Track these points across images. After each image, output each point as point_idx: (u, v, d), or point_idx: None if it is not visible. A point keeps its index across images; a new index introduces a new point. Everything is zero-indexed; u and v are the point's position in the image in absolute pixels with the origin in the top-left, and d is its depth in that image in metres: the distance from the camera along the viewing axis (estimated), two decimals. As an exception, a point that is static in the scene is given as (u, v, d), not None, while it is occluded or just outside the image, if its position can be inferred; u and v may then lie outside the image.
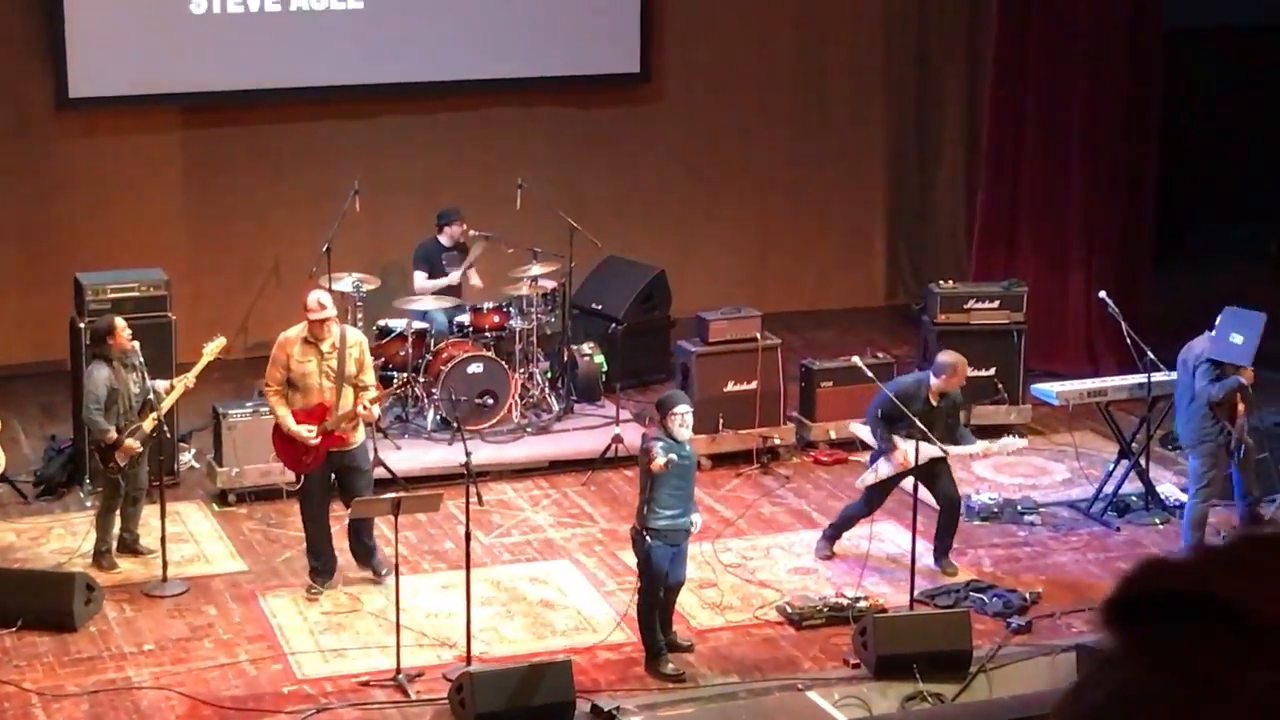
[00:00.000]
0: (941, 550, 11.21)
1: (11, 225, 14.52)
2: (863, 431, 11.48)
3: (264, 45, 14.70)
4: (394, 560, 10.31)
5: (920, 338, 13.90)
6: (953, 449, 11.02)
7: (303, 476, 10.75)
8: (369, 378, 10.76)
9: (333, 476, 10.74)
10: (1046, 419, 13.65)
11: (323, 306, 10.60)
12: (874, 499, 11.23)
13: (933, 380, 11.03)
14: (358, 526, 10.80)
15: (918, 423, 10.66)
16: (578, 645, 10.28)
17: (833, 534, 11.45)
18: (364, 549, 10.86)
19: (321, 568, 10.89)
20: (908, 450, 10.82)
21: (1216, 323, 11.20)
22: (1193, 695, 1.39)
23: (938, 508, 11.15)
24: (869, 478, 11.17)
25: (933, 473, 11.02)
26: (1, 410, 12.42)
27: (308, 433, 10.53)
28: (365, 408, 10.62)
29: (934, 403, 10.99)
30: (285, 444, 10.71)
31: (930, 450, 10.81)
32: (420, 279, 13.72)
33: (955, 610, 10.45)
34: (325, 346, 10.59)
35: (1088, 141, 14.93)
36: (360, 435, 10.79)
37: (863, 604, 10.60)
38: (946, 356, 11.21)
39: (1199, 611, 1.41)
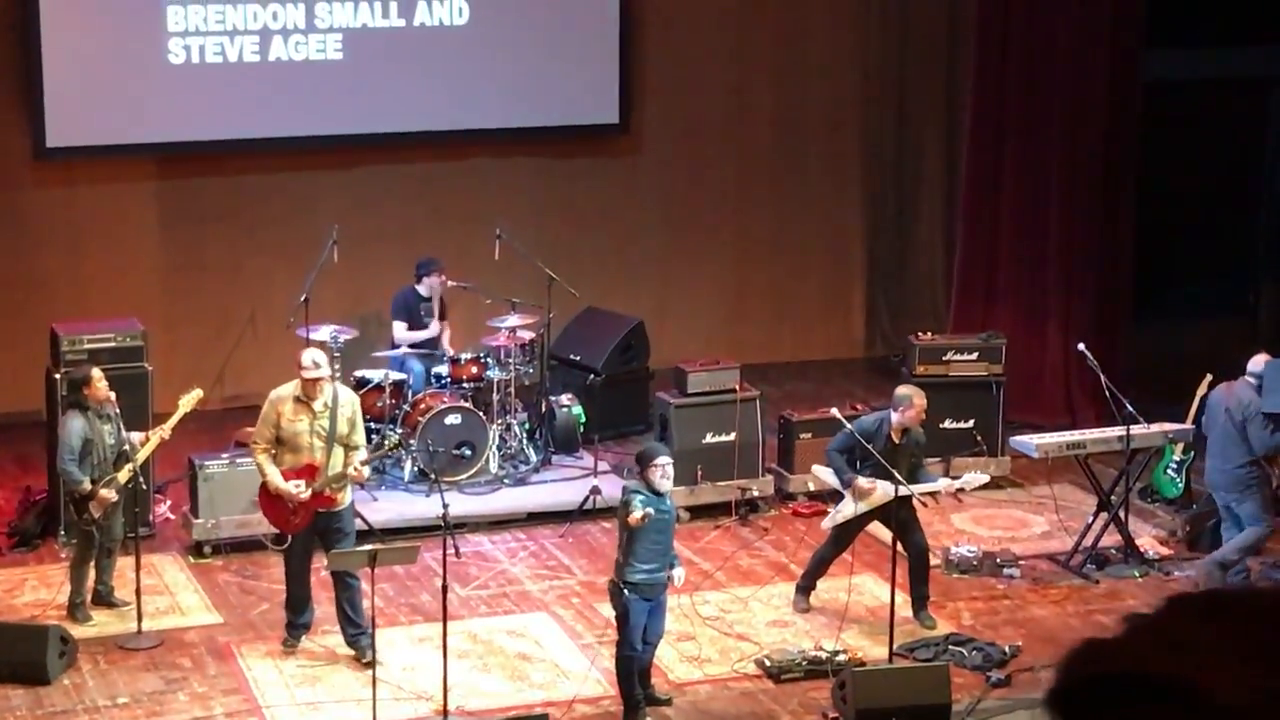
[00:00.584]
0: (919, 603, 11.17)
1: (-13, 275, 14.47)
2: (824, 473, 11.40)
3: (242, 95, 14.69)
4: (370, 612, 10.24)
5: (899, 389, 13.87)
6: (916, 487, 10.99)
7: (289, 536, 10.62)
8: (360, 438, 10.61)
9: (316, 538, 10.64)
10: (1026, 471, 13.62)
11: (317, 365, 10.47)
12: (841, 540, 11.20)
13: (893, 416, 11.03)
14: (346, 606, 10.52)
15: (880, 458, 10.66)
16: (555, 698, 10.21)
17: (807, 585, 11.41)
18: (354, 628, 10.55)
19: (298, 622, 10.80)
20: (873, 483, 10.81)
21: (1262, 373, 11.26)
22: None
23: (907, 558, 11.09)
24: (837, 517, 11.15)
25: (901, 521, 10.97)
26: (-24, 461, 12.35)
27: (295, 489, 10.39)
28: (356, 469, 10.49)
29: (896, 440, 10.99)
30: (272, 503, 10.58)
31: (893, 490, 10.76)
32: (400, 330, 13.69)
33: (934, 664, 10.40)
34: (318, 406, 10.45)
35: (1066, 193, 14.97)
36: (347, 497, 10.63)
37: (841, 657, 10.55)
38: (904, 389, 11.24)
39: (1142, 692, 1.39)
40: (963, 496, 13.22)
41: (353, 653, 10.60)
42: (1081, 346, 12.50)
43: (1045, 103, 14.92)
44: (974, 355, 13.60)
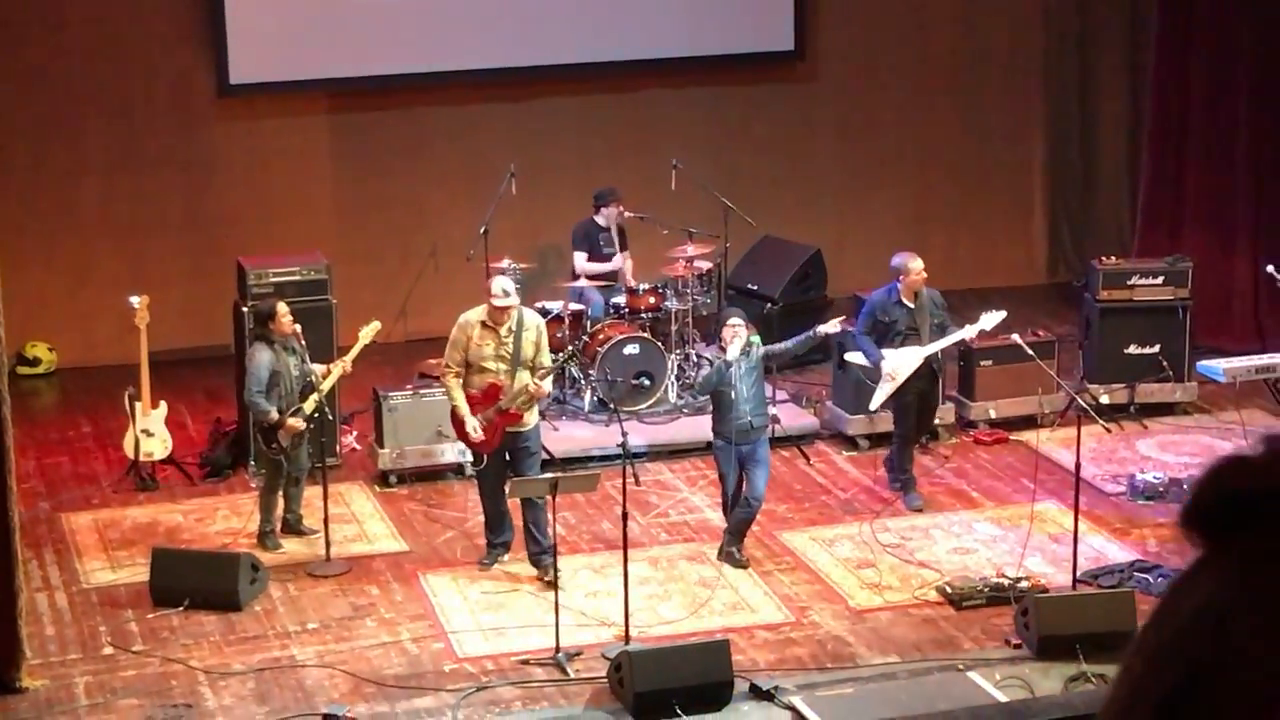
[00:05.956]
0: (903, 477, 11.65)
1: (175, 212, 14.76)
2: (856, 357, 11.87)
3: (418, 28, 14.80)
4: (553, 536, 10.37)
5: (1082, 315, 13.68)
6: (936, 344, 11.52)
7: (485, 457, 10.84)
8: (545, 360, 10.89)
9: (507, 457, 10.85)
10: (1213, 396, 13.38)
11: (506, 294, 10.76)
12: (900, 418, 11.68)
13: (898, 285, 11.60)
14: (532, 525, 10.78)
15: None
16: (735, 625, 10.26)
17: (905, 478, 11.76)
18: (537, 546, 10.80)
19: (497, 541, 11.03)
20: (894, 360, 11.41)
21: None
22: None
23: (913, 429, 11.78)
24: (879, 398, 11.64)
25: (922, 392, 11.60)
26: (167, 394, 12.64)
27: (473, 431, 10.66)
28: (535, 384, 10.70)
29: (909, 304, 11.51)
30: (464, 426, 10.82)
31: (919, 352, 11.41)
32: (580, 260, 13.74)
33: (1119, 590, 10.28)
34: (503, 331, 10.75)
35: (1254, 114, 14.59)
36: (533, 417, 10.90)
37: (1024, 584, 10.48)
38: (896, 258, 11.76)
39: None
40: (1147, 422, 13.02)
41: (536, 572, 10.77)
42: (1270, 268, 12.22)
43: (1234, 20, 14.52)
44: (1159, 279, 13.34)
